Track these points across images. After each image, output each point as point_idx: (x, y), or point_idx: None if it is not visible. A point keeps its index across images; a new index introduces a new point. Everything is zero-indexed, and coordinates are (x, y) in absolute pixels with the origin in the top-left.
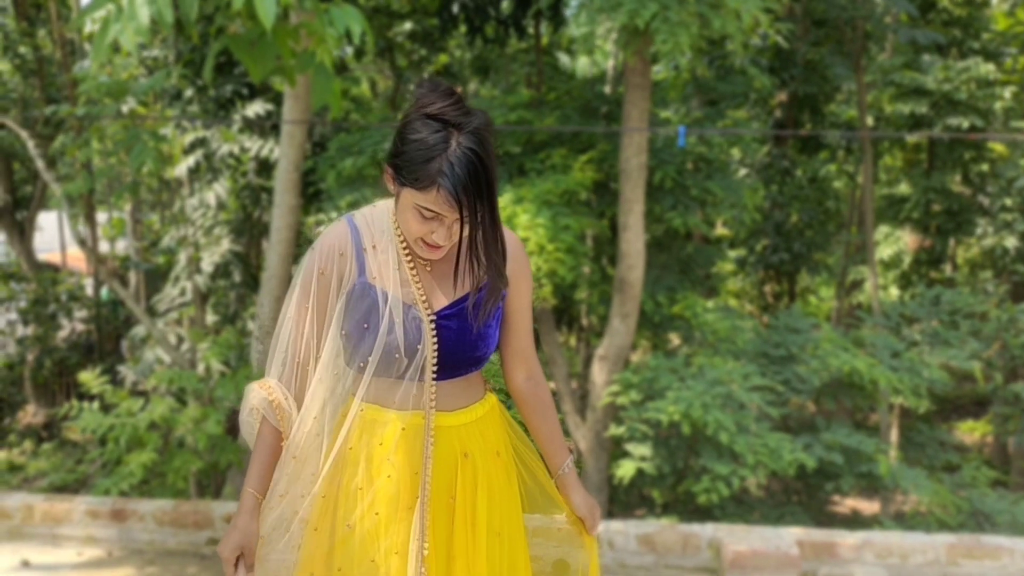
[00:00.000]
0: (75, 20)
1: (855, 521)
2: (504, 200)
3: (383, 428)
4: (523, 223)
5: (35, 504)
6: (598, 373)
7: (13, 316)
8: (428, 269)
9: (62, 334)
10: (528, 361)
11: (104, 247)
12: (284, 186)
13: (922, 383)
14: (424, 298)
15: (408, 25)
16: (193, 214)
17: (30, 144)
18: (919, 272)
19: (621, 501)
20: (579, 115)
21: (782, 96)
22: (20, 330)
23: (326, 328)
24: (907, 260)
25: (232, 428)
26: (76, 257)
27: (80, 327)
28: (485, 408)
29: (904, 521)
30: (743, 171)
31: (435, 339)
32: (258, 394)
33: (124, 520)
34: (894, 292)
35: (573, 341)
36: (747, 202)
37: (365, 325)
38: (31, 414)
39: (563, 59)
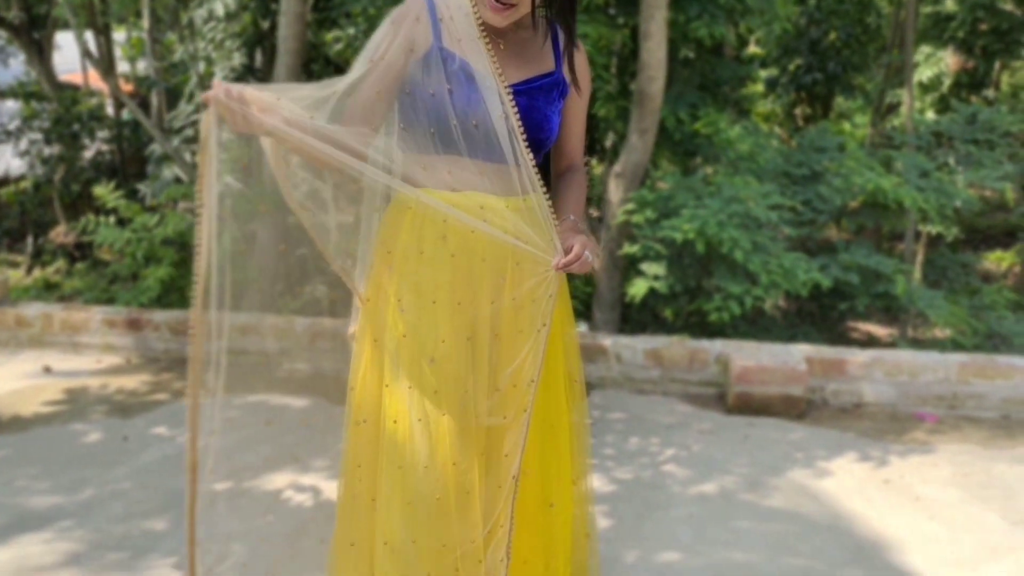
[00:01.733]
0: None
1: (869, 343)
2: None
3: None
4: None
5: (54, 313)
6: (614, 191)
7: (38, 136)
8: (501, 46)
9: (87, 154)
10: (573, 160)
11: (125, 67)
12: None
13: (949, 204)
14: (500, 71)
15: None
16: (203, 27)
17: None
18: (959, 96)
19: (634, 320)
20: None
21: None
22: (46, 150)
23: (392, 94)
24: (947, 83)
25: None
26: (98, 77)
27: (104, 147)
28: (538, 199)
29: (919, 345)
30: None
31: (515, 108)
32: None
33: (140, 329)
34: (931, 116)
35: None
36: (780, 12)
37: (449, 87)
38: (62, 234)
39: None
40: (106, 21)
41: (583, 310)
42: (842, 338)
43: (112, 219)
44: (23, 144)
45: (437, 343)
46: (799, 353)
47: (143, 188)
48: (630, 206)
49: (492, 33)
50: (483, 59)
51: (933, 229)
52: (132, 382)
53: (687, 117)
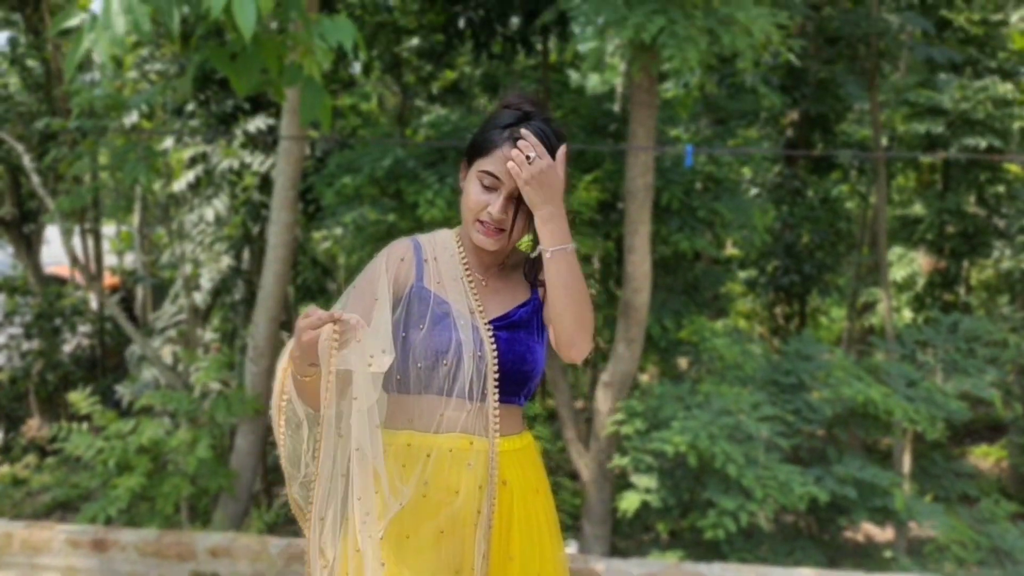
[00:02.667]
0: (51, 28)
1: (868, 553)
2: None
3: (426, 453)
4: (524, 243)
5: (14, 532)
6: (602, 400)
7: (18, 330)
8: (484, 284)
9: (67, 348)
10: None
11: (114, 260)
12: (281, 203)
13: (939, 413)
14: (481, 308)
15: (415, 41)
16: (192, 230)
17: (26, 158)
18: (933, 295)
19: (625, 534)
20: (585, 133)
21: (793, 115)
22: (25, 344)
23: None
24: (921, 282)
25: None
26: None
27: (85, 342)
28: (525, 441)
29: (920, 555)
30: (754, 191)
31: (494, 345)
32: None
33: (105, 550)
34: (907, 314)
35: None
36: (757, 223)
37: (420, 326)
38: (35, 428)
39: (573, 76)
40: (95, 224)
41: (571, 524)
42: (840, 547)
43: (84, 425)
44: (1, 338)
45: None
46: None
47: (121, 389)
48: (619, 416)
49: (479, 271)
50: (463, 298)
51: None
52: None
53: (672, 324)
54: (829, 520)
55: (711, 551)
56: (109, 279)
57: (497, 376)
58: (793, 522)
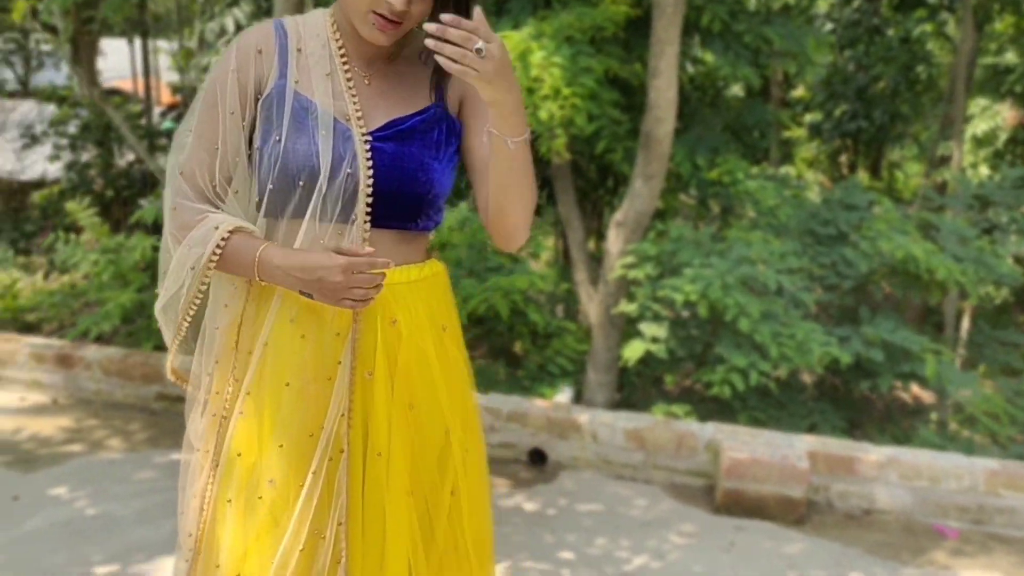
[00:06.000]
0: None
1: (895, 421)
2: (521, 35)
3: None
4: (536, 62)
5: None
6: (613, 241)
7: (63, 141)
8: (367, 82)
9: (126, 160)
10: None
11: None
12: (282, 7)
13: (989, 276)
14: (360, 113)
15: None
16: (216, 41)
17: None
18: (1015, 152)
19: (631, 383)
20: None
21: None
22: (69, 156)
23: (246, 139)
24: (1003, 137)
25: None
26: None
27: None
28: (427, 272)
29: (946, 433)
30: (828, 27)
31: (369, 162)
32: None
33: (71, 367)
34: (984, 172)
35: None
36: (812, 54)
37: (277, 137)
38: (94, 240)
39: None
40: (150, 38)
41: (575, 370)
42: (863, 410)
43: (82, 237)
44: (48, 149)
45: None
46: (802, 446)
47: (145, 204)
48: (629, 259)
49: (361, 66)
50: (333, 99)
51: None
52: (49, 427)
53: (705, 163)
54: (853, 384)
55: (723, 408)
56: (170, 97)
57: (371, 198)
58: (815, 383)
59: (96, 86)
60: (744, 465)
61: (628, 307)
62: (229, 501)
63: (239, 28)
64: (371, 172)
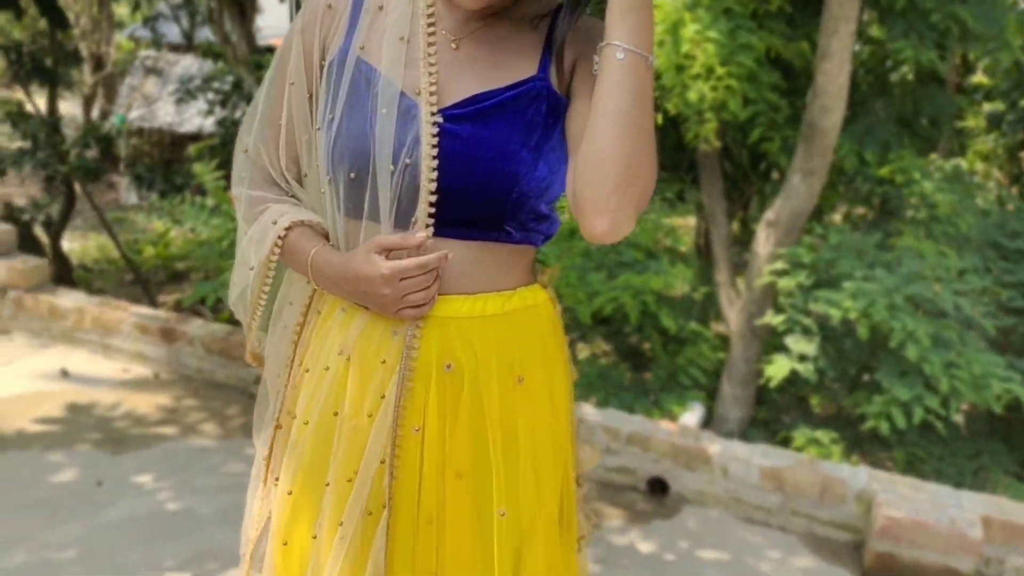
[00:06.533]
0: None
1: None
2: (673, 3)
3: (340, 307)
4: (689, 36)
5: (87, 308)
6: (762, 242)
7: (213, 97)
8: (454, 46)
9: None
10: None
11: None
12: None
13: None
14: (434, 87)
15: None
16: None
17: None
18: None
19: (771, 401)
20: None
21: None
22: (219, 112)
23: (312, 115)
24: None
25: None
26: None
27: None
28: (515, 304)
29: None
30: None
31: (435, 152)
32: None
33: (173, 341)
34: None
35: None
36: (1010, 38)
37: (331, 116)
38: None
39: None
40: None
41: (708, 382)
42: None
43: (206, 200)
44: (201, 104)
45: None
46: (974, 507)
47: None
48: (780, 265)
49: (452, 27)
50: (404, 67)
51: None
52: (146, 404)
53: (874, 159)
54: None
55: (875, 439)
56: None
57: (434, 195)
58: (988, 423)
59: (254, 44)
60: (902, 526)
61: (775, 319)
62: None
63: None
64: (435, 162)
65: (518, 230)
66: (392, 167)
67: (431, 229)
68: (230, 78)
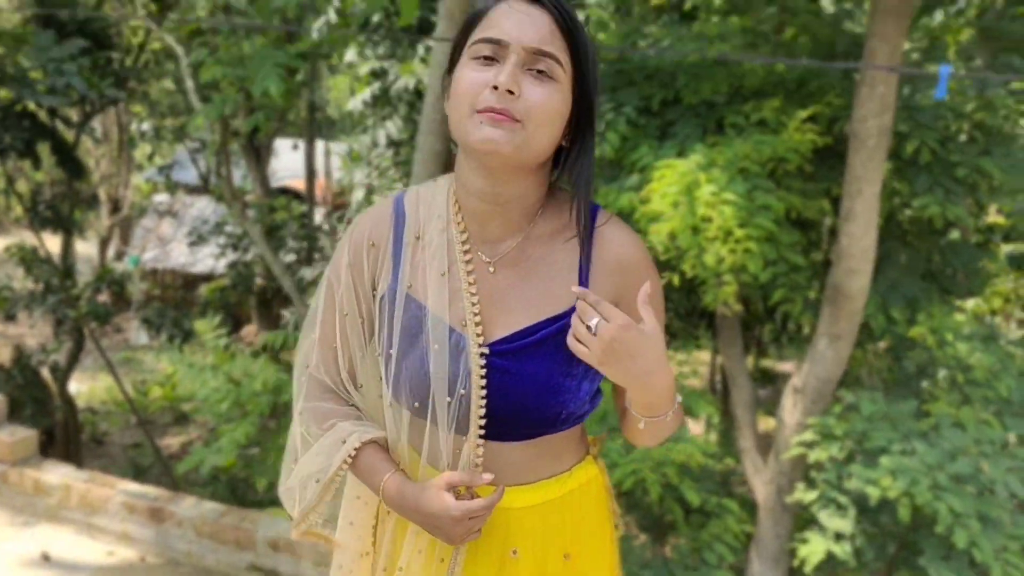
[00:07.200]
0: None
1: None
2: (687, 164)
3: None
4: (704, 197)
5: (73, 485)
6: (789, 410)
7: (223, 241)
8: (491, 271)
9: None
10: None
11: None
12: (428, 127)
13: None
14: (478, 318)
15: None
16: (369, 154)
17: (183, 60)
18: None
19: None
20: (811, 57)
21: None
22: (231, 255)
23: (365, 339)
24: None
25: None
26: (321, 186)
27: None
28: (570, 485)
29: None
30: None
31: (484, 383)
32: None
33: (161, 522)
34: None
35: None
36: None
37: (391, 350)
38: (253, 333)
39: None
40: (311, 138)
41: (735, 558)
42: None
43: (210, 359)
44: (212, 248)
45: None
46: None
47: (287, 315)
48: (809, 435)
49: (487, 250)
50: (448, 302)
51: None
52: None
53: (901, 317)
54: None
55: None
56: (334, 197)
57: (484, 420)
58: None
59: (268, 186)
60: None
61: (806, 495)
62: None
63: (391, 143)
64: (484, 391)
65: (562, 426)
66: (449, 398)
67: (482, 439)
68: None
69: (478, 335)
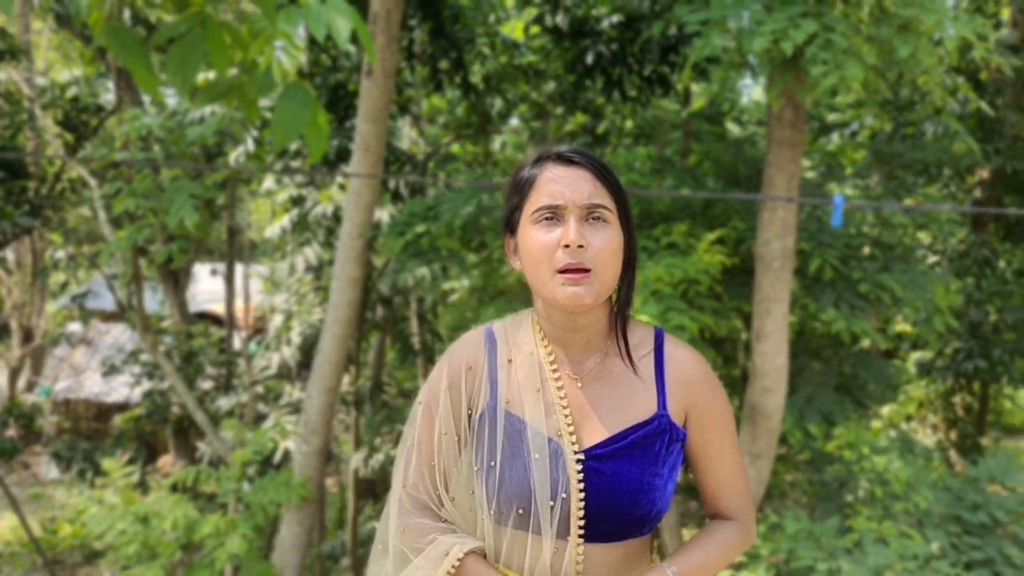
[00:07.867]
0: None
1: None
2: None
3: None
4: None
5: None
6: None
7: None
8: (579, 385)
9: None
10: (719, 506)
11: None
12: (346, 254)
13: None
14: (572, 428)
15: (551, 85)
16: (287, 279)
17: (96, 191)
18: None
19: None
20: (722, 184)
21: (983, 172)
22: (147, 384)
23: (460, 455)
24: None
25: None
26: (241, 310)
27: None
28: None
29: None
30: (932, 258)
31: (582, 485)
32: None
33: None
34: None
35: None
36: (940, 303)
37: (492, 463)
38: (169, 464)
39: (735, 130)
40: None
41: None
42: None
43: (114, 500)
44: (127, 377)
45: None
46: None
47: (203, 447)
48: (741, 559)
49: (573, 368)
50: (545, 416)
51: None
52: None
53: (819, 431)
54: None
55: None
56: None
57: (583, 520)
58: None
59: (186, 313)
60: None
61: None
62: None
63: (309, 268)
64: (583, 495)
65: (654, 524)
66: (552, 502)
67: (582, 540)
68: (162, 347)
69: (573, 443)
